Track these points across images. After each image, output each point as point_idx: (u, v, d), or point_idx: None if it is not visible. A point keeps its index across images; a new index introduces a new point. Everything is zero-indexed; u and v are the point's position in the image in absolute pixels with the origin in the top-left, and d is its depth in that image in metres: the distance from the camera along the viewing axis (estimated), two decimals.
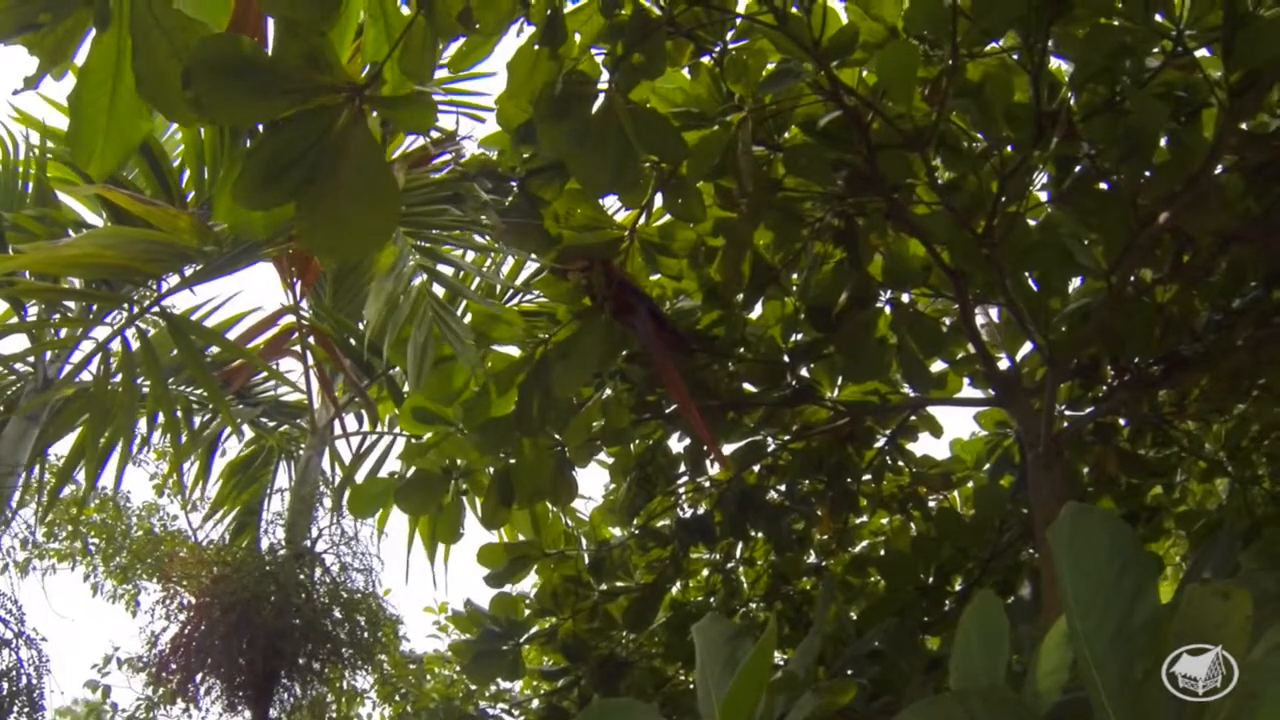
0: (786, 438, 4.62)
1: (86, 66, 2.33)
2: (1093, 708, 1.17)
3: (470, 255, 5.29)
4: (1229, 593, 1.24)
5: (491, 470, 4.12)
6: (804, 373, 4.32)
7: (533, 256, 4.31)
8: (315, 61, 2.15)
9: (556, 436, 4.02)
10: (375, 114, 2.31)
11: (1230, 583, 1.25)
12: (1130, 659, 1.17)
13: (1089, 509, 1.29)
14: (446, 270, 4.29)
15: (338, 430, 7.56)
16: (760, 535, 4.99)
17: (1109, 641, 1.19)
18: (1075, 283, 4.15)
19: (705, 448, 4.37)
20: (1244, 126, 3.58)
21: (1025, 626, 2.12)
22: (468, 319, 4.03)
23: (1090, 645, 1.19)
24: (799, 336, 4.26)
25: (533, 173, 3.64)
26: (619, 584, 4.93)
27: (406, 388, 7.22)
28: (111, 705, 9.17)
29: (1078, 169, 3.72)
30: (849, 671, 3.56)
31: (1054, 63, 3.58)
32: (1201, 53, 3.45)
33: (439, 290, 4.03)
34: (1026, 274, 3.95)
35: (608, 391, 4.06)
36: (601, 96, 2.94)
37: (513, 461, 4.00)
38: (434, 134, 4.64)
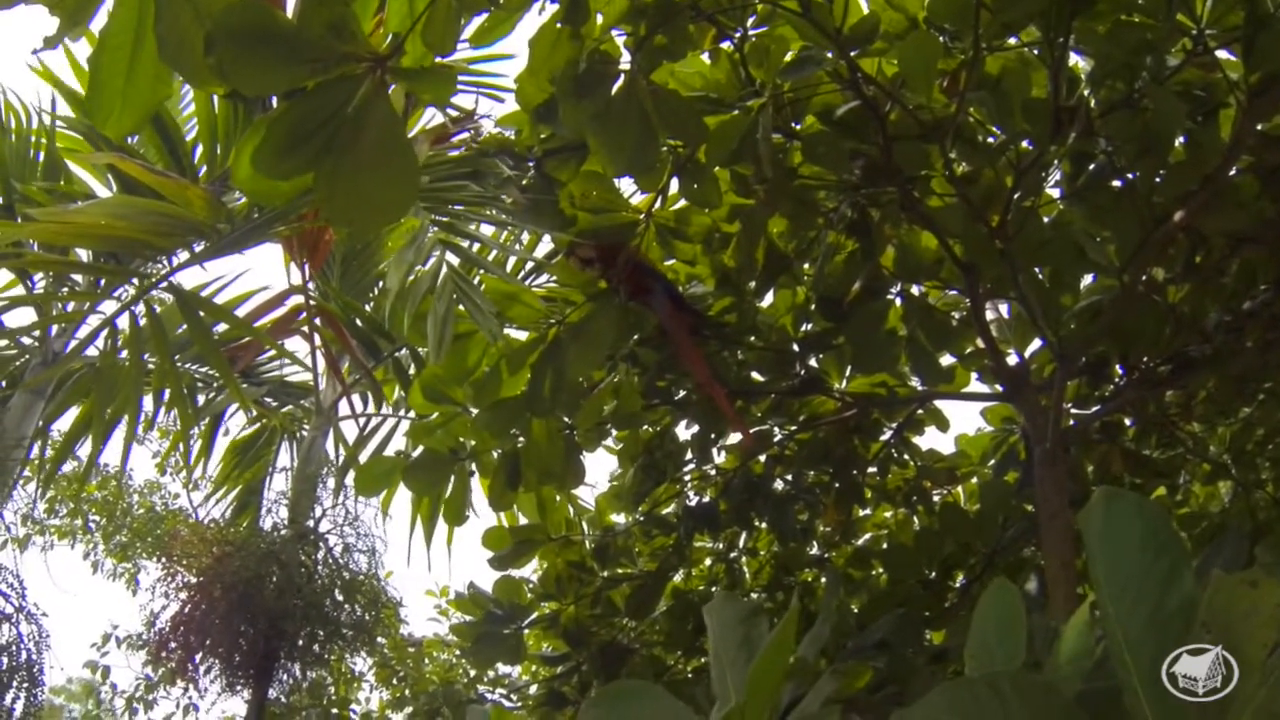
0: (794, 428, 4.61)
1: (107, 28, 2.31)
2: (1124, 690, 1.17)
3: (488, 231, 5.27)
4: (1257, 581, 1.23)
5: (499, 452, 4.12)
6: (813, 363, 4.32)
7: (548, 237, 4.31)
8: (338, 31, 2.14)
9: (566, 419, 4.01)
10: (396, 86, 2.30)
11: (1257, 571, 1.24)
12: (1165, 642, 1.16)
13: (1122, 493, 1.28)
14: (463, 244, 4.28)
15: (343, 411, 7.55)
16: (764, 525, 4.99)
17: (1143, 625, 1.18)
18: (1087, 280, 4.14)
19: (716, 432, 4.37)
20: (1261, 128, 3.57)
21: (1034, 618, 2.11)
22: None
23: (1124, 628, 1.18)
24: (809, 326, 4.25)
25: (549, 153, 3.63)
26: (622, 570, 4.93)
27: (412, 370, 7.22)
28: (111, 686, 9.17)
29: (1093, 166, 3.71)
30: (851, 661, 3.55)
31: (1072, 58, 3.57)
32: (1221, 53, 3.44)
33: (454, 259, 4.01)
34: (1038, 270, 3.94)
35: (618, 375, 4.06)
36: (622, 77, 2.93)
37: (521, 443, 4.00)
38: (452, 112, 4.63)
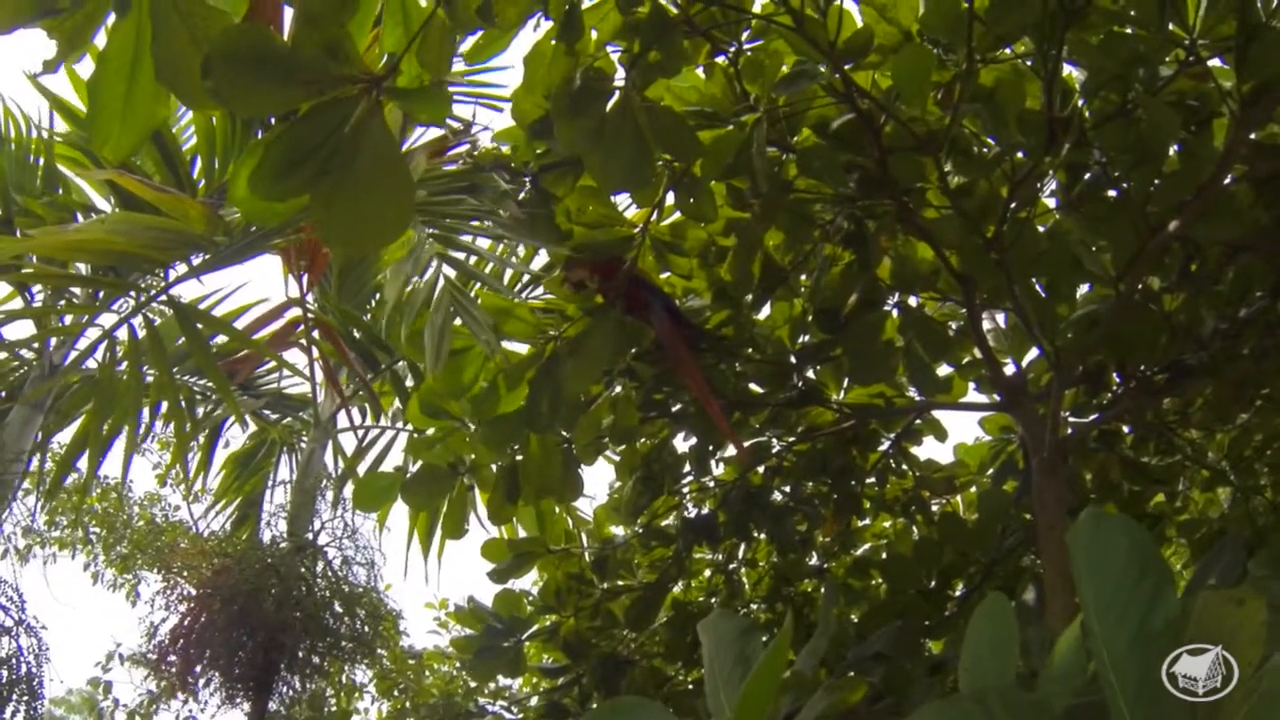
0: (792, 439, 4.62)
1: (105, 52, 2.33)
2: (1110, 710, 1.18)
3: (484, 244, 5.28)
4: (1243, 599, 1.25)
5: (497, 466, 4.13)
6: (810, 374, 4.32)
7: (543, 252, 4.32)
8: (333, 52, 2.15)
9: (564, 434, 4.02)
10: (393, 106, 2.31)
11: (1244, 589, 1.26)
12: (1150, 661, 1.18)
13: (1108, 513, 1.30)
14: (460, 257, 4.29)
15: (341, 423, 7.56)
16: (763, 536, 5.00)
17: (1128, 644, 1.19)
18: (1083, 289, 4.15)
19: (714, 445, 4.38)
20: (1254, 137, 3.58)
21: (1031, 629, 2.12)
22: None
23: (1109, 647, 1.20)
24: (806, 338, 4.26)
25: (545, 168, 3.64)
26: (621, 582, 4.94)
27: (410, 382, 7.23)
28: (114, 700, 9.17)
29: (1088, 176, 3.72)
30: (852, 673, 3.56)
31: (1066, 70, 3.59)
32: (1214, 62, 3.46)
33: (450, 271, 4.03)
34: (1034, 280, 3.95)
35: (617, 389, 4.07)
36: (617, 94, 2.94)
37: (520, 458, 4.01)
38: (451, 123, 4.64)
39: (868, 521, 5.26)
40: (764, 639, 1.90)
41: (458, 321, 3.63)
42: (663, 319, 3.74)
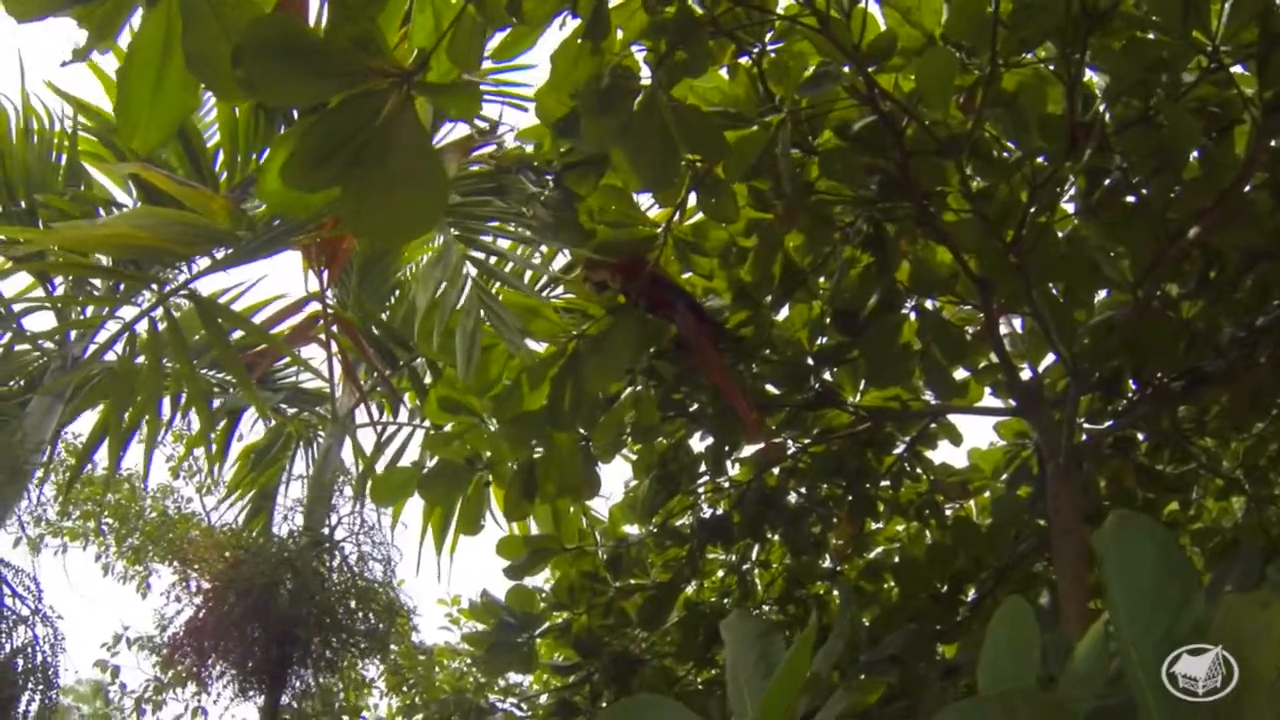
0: (807, 441, 4.62)
1: (135, 43, 2.34)
2: (1139, 712, 1.19)
3: (505, 244, 5.30)
4: (1268, 602, 1.25)
5: (514, 464, 4.14)
6: (827, 376, 4.33)
7: (565, 253, 4.33)
8: (365, 45, 2.17)
9: (583, 431, 4.03)
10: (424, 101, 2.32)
11: (1268, 592, 1.26)
12: None
13: (1136, 516, 1.30)
14: (482, 257, 4.31)
15: (359, 419, 7.57)
16: (777, 538, 5.00)
17: (1156, 646, 1.20)
18: (1101, 295, 4.15)
19: (731, 445, 4.37)
20: (1275, 144, 3.58)
21: (1046, 634, 2.12)
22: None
23: (1138, 650, 1.20)
24: (824, 340, 4.26)
25: (569, 167, 3.65)
26: (634, 581, 4.95)
27: (428, 379, 7.25)
28: (120, 686, 9.20)
29: (1108, 181, 3.72)
30: (863, 676, 3.56)
31: (1088, 75, 3.59)
32: (1236, 69, 3.46)
33: (473, 270, 4.04)
34: (1052, 285, 3.95)
35: (637, 387, 4.07)
36: (643, 93, 2.95)
37: (538, 455, 4.01)
38: (478, 122, 4.65)
39: (881, 525, 5.25)
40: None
41: (486, 324, 3.65)
42: (686, 317, 3.75)
